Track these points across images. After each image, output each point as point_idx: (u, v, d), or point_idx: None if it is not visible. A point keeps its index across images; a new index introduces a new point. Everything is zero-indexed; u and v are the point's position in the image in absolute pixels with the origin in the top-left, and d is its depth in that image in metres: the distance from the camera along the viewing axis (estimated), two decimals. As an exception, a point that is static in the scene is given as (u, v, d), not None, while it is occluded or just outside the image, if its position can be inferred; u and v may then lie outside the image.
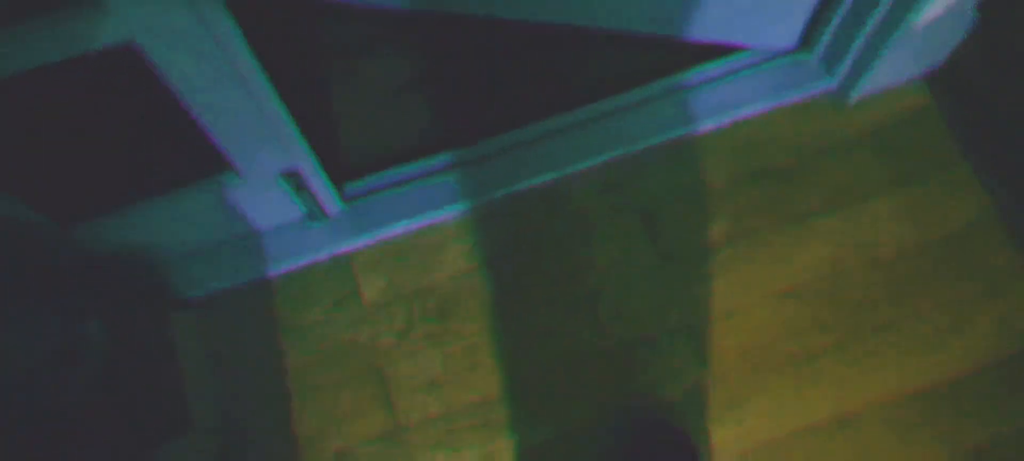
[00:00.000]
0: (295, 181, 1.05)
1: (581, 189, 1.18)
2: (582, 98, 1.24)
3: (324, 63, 1.30)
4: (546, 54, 1.28)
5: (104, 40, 0.72)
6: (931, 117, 1.19)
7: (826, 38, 1.15)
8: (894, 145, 1.18)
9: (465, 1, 1.25)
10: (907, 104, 1.20)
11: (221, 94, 0.84)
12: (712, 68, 1.22)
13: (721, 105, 1.19)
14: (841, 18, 1.10)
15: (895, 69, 1.14)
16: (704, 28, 1.20)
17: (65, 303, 0.93)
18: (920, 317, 1.09)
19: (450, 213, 1.18)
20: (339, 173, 1.22)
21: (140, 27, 0.72)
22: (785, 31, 1.18)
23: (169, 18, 0.71)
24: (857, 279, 1.11)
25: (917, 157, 1.17)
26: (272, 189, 1.06)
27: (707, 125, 1.19)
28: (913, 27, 1.02)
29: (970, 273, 1.11)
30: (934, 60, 1.17)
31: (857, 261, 1.12)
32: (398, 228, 1.17)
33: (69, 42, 0.70)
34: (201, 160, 1.01)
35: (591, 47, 1.28)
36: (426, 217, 1.17)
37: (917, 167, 1.16)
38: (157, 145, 1.02)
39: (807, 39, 1.20)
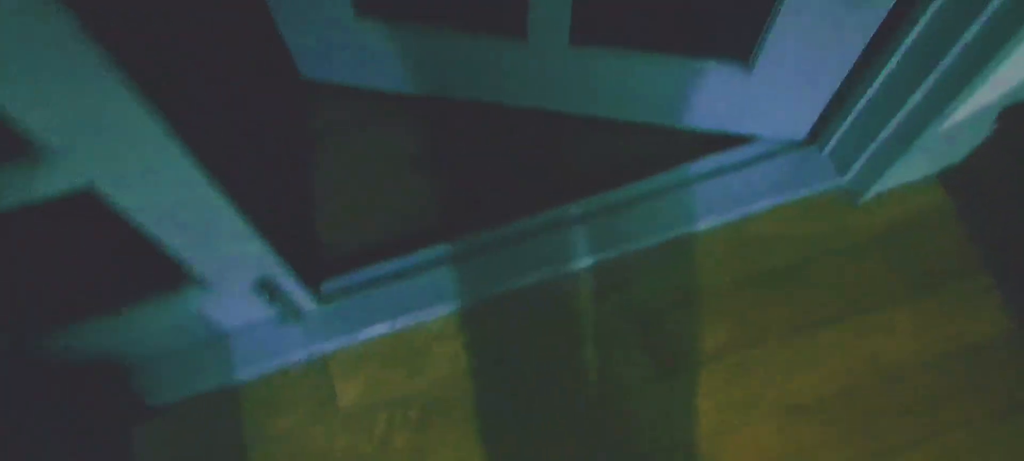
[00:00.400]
0: (268, 289, 0.97)
1: (577, 291, 1.11)
2: (581, 188, 1.17)
3: (309, 146, 1.23)
4: (542, 140, 1.21)
5: (58, 189, 0.64)
6: (947, 220, 1.12)
7: (838, 136, 1.08)
8: (908, 249, 1.11)
9: (460, 85, 1.17)
10: (922, 204, 1.13)
11: (186, 224, 0.76)
12: (717, 160, 1.15)
13: (726, 200, 1.12)
14: (854, 118, 1.04)
15: (910, 169, 1.07)
16: (710, 118, 1.13)
17: (20, 432, 0.86)
18: (934, 437, 1.02)
19: (435, 313, 1.10)
20: (318, 268, 1.14)
21: (98, 173, 0.64)
22: (795, 123, 1.11)
23: (128, 160, 0.64)
24: (868, 394, 1.04)
25: (932, 263, 1.10)
26: (243, 295, 0.98)
27: (711, 221, 1.12)
28: (932, 136, 0.95)
29: (989, 390, 1.04)
30: (951, 161, 1.11)
31: (868, 375, 1.05)
32: (378, 328, 1.09)
33: (16, 194, 0.63)
34: (166, 271, 0.93)
35: (591, 133, 1.21)
36: (408, 317, 1.09)
37: (932, 274, 1.10)
38: (119, 256, 0.95)
39: (817, 133, 1.13)
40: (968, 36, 0.81)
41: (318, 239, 1.17)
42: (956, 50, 0.84)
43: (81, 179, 0.65)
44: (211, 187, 0.72)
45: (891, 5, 0.85)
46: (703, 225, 1.12)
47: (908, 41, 0.88)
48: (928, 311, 1.08)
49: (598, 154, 1.19)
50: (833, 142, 1.10)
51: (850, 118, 1.04)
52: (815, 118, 1.09)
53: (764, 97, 1.05)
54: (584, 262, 1.11)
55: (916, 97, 0.91)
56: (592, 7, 1.23)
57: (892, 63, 0.93)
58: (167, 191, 0.70)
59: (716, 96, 1.07)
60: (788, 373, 1.06)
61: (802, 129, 1.12)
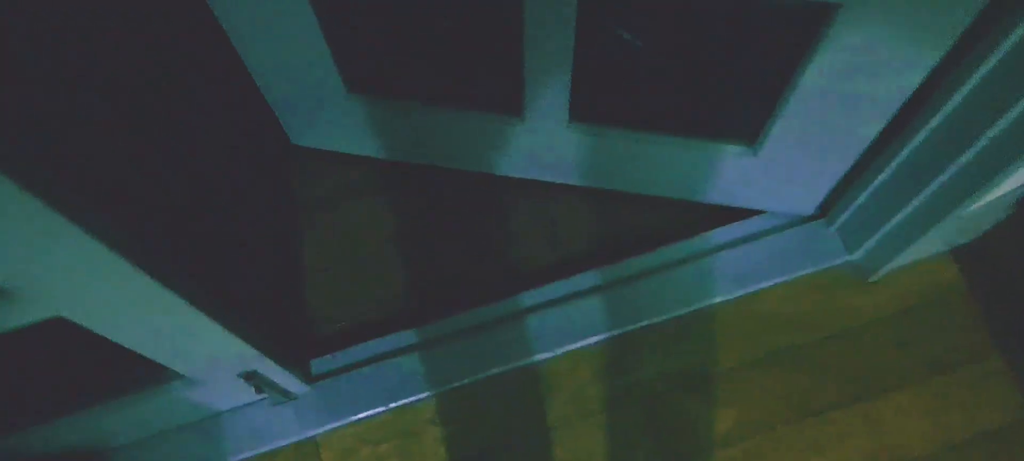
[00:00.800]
0: (255, 380, 0.93)
1: (579, 372, 1.07)
2: (581, 262, 1.13)
3: (300, 214, 1.19)
4: (541, 211, 1.17)
5: (25, 322, 0.61)
6: (960, 299, 1.08)
7: (848, 214, 1.04)
8: (920, 330, 1.07)
9: (454, 156, 1.13)
10: (934, 282, 1.09)
11: (163, 339, 0.72)
12: (722, 234, 1.11)
13: (732, 276, 1.09)
14: (866, 198, 1.00)
15: (922, 247, 1.03)
16: (714, 193, 1.09)
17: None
18: (948, 528, 0.99)
19: (428, 394, 1.06)
20: (307, 345, 1.10)
21: (63, 306, 0.60)
22: (802, 200, 1.07)
23: (94, 293, 0.60)
24: (879, 483, 1.01)
25: (945, 344, 1.06)
26: (229, 385, 0.94)
27: (717, 298, 1.08)
28: (949, 223, 0.91)
29: (1003, 479, 1.00)
30: (965, 239, 1.07)
31: (879, 462, 1.01)
32: (370, 410, 1.05)
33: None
34: (149, 365, 0.89)
35: (591, 205, 1.17)
36: (401, 398, 1.05)
37: (945, 356, 1.06)
38: (98, 353, 0.91)
39: (826, 208, 1.09)
40: (995, 131, 0.77)
41: (307, 313, 1.13)
42: (981, 144, 0.79)
43: (48, 312, 0.61)
44: (187, 304, 0.68)
45: (907, 96, 0.81)
46: (709, 302, 1.09)
47: (926, 132, 0.84)
48: (941, 395, 1.04)
49: (598, 226, 1.15)
50: (843, 219, 1.06)
51: (861, 198, 1.00)
52: (823, 196, 1.05)
53: (770, 176, 1.01)
54: (586, 341, 1.07)
55: (933, 187, 0.87)
56: (593, 84, 1.19)
57: (908, 150, 0.89)
58: (139, 314, 0.66)
59: (720, 174, 1.03)
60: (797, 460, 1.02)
61: (810, 205, 1.08)
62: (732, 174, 1.03)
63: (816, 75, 0.78)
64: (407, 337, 1.08)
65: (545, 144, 1.04)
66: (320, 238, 1.17)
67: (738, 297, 1.09)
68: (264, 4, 0.84)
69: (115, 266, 0.58)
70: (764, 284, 1.09)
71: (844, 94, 0.80)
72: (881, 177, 0.95)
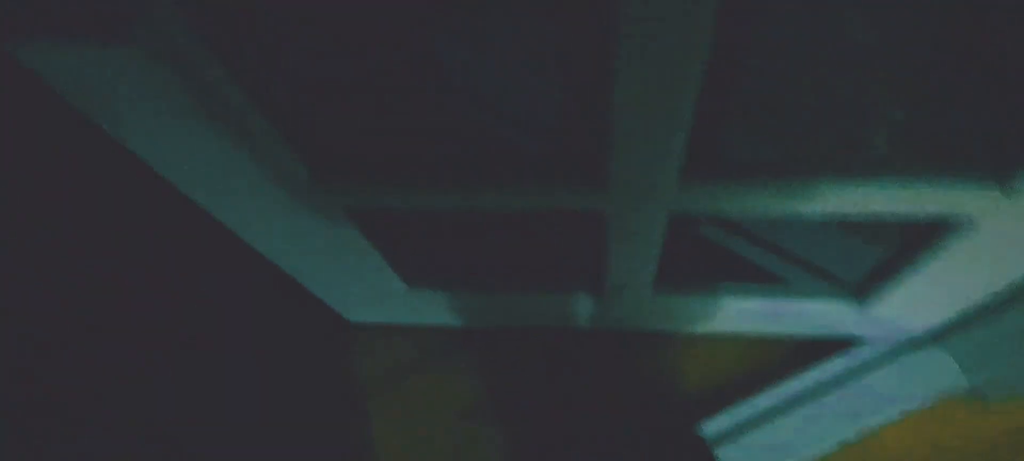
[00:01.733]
0: None
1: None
2: (680, 414, 1.05)
3: (363, 400, 1.12)
4: (619, 361, 1.09)
5: None
6: (1099, 414, 0.99)
7: (964, 335, 0.95)
8: (1058, 454, 0.98)
9: (525, 318, 1.06)
10: (1065, 396, 1.00)
11: None
12: (829, 368, 1.02)
13: (846, 413, 1.00)
14: (989, 326, 0.91)
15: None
16: (808, 328, 1.01)
17: None
18: None
19: None
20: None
21: None
22: (908, 326, 0.98)
23: None
24: None
25: (1089, 468, 0.97)
26: None
27: (833, 440, 1.00)
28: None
29: None
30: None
31: None
32: None
33: None
34: None
35: (669, 348, 1.09)
36: None
37: (1091, 481, 0.96)
38: None
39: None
40: None
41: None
42: None
43: None
44: None
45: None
46: (828, 448, 1.00)
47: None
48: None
49: (680, 373, 1.07)
50: (956, 340, 0.97)
51: (984, 325, 0.91)
52: (932, 327, 0.96)
53: (875, 317, 0.92)
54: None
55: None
56: (678, 252, 1.11)
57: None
58: None
59: (819, 318, 0.95)
60: None
61: (916, 329, 0.99)
62: (833, 318, 0.95)
63: (942, 259, 0.70)
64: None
65: (626, 311, 0.96)
66: (388, 426, 1.10)
67: (857, 437, 1.01)
68: (316, 237, 0.77)
69: None
70: (878, 420, 1.00)
71: (974, 273, 0.72)
72: (1012, 314, 0.86)
